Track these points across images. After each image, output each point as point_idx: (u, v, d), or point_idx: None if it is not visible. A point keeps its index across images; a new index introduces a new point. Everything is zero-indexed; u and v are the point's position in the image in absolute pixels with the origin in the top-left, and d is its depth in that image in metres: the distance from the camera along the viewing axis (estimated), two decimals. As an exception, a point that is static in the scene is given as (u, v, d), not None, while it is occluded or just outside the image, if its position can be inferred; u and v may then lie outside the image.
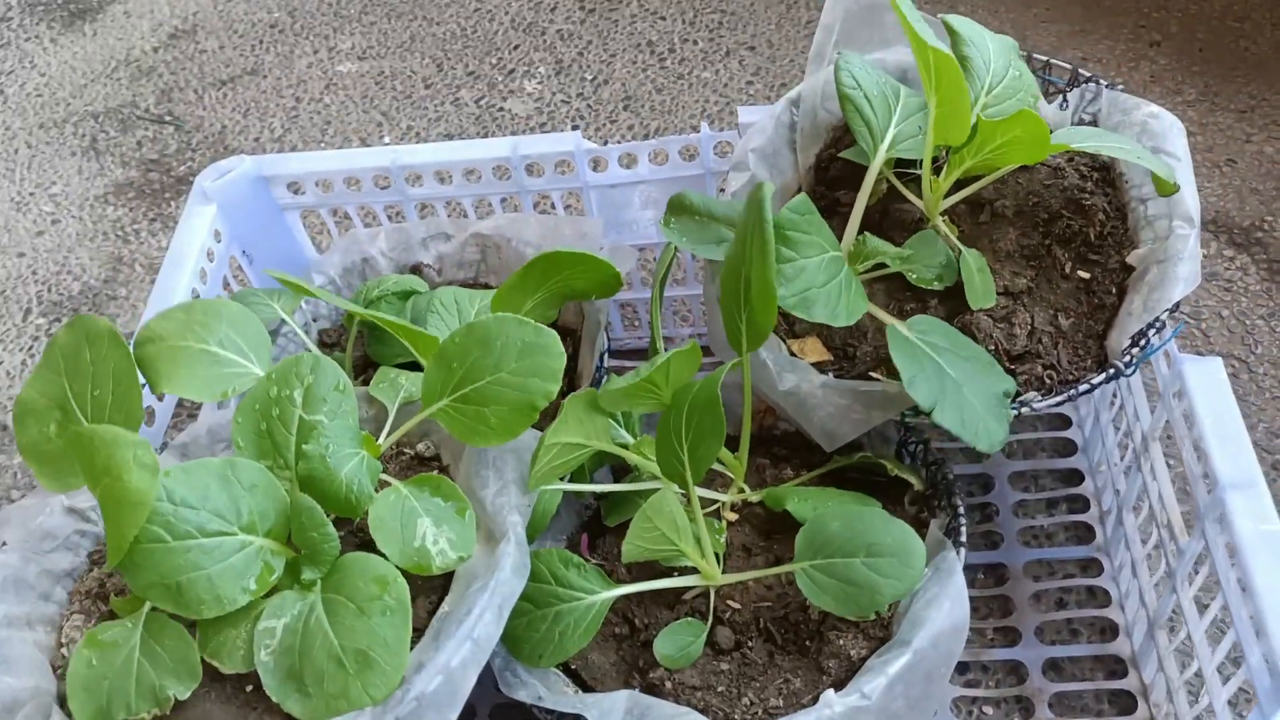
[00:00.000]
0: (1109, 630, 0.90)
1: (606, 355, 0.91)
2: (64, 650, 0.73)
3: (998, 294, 0.82)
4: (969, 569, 0.95)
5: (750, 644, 0.76)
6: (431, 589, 0.70)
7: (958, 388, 0.74)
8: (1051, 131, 0.87)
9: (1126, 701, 0.86)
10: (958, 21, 0.82)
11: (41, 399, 0.73)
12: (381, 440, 0.77)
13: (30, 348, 1.30)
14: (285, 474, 0.70)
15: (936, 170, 0.83)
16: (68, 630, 0.74)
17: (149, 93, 1.65)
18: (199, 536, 0.65)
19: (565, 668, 0.78)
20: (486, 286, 1.04)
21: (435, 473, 0.79)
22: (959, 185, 0.83)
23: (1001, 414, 0.74)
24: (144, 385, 0.86)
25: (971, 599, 0.92)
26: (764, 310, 0.72)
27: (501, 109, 1.52)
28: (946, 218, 0.85)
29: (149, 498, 0.61)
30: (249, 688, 0.67)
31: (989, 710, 0.87)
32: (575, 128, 1.46)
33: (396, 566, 0.66)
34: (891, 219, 0.88)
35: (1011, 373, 0.80)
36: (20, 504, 0.78)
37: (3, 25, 1.82)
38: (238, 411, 0.72)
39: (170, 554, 0.64)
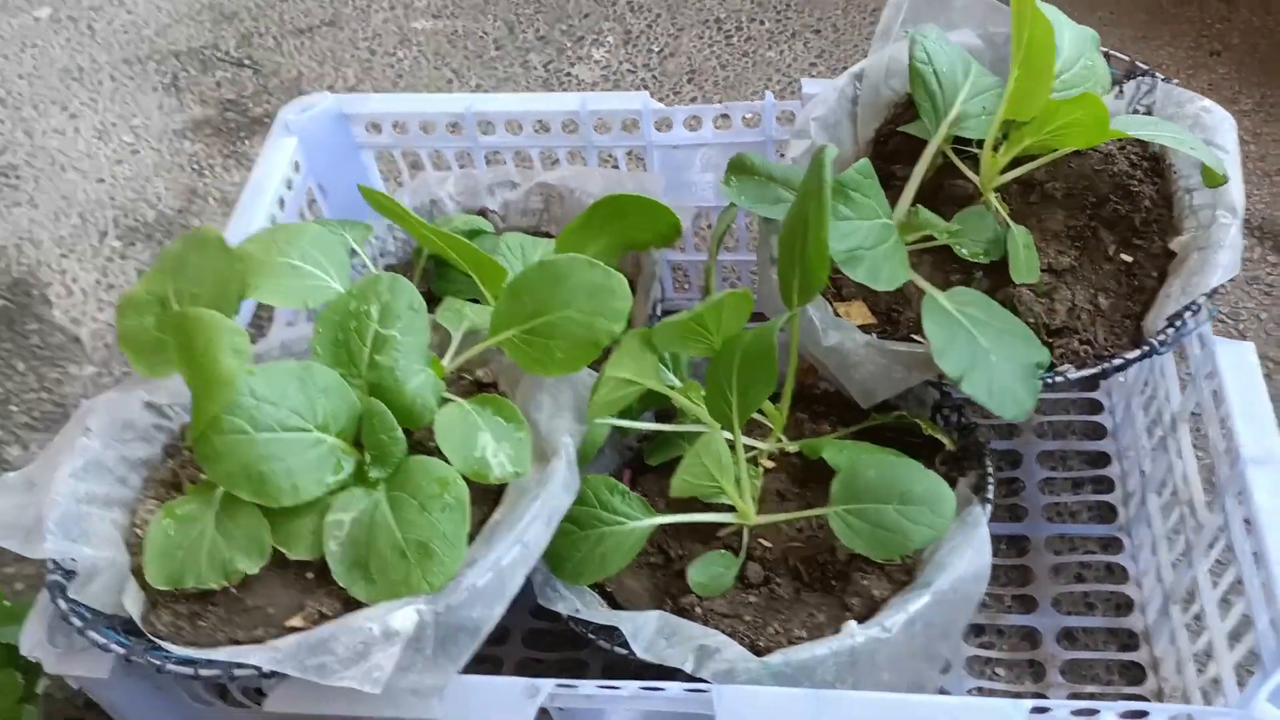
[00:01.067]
0: (1124, 606, 0.93)
1: (660, 305, 0.95)
2: (137, 530, 0.78)
3: (1041, 271, 0.85)
4: (992, 538, 0.97)
5: (778, 580, 0.80)
6: (485, 502, 0.75)
7: (988, 357, 0.77)
8: (1106, 119, 0.90)
9: (1136, 673, 0.89)
10: (1042, 7, 0.85)
11: (145, 295, 0.78)
12: (446, 362, 0.81)
13: (105, 268, 1.36)
14: (357, 382, 0.75)
15: (995, 147, 0.86)
16: (141, 513, 0.79)
17: (230, 36, 1.71)
18: (279, 430, 0.70)
19: (600, 589, 0.82)
20: (548, 235, 1.08)
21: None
22: (1014, 164, 0.86)
23: (1031, 384, 0.78)
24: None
25: (993, 567, 0.96)
26: (818, 265, 0.75)
27: (569, 74, 1.56)
28: (999, 195, 0.88)
29: (235, 379, 0.67)
30: (309, 574, 0.72)
31: (1001, 671, 0.91)
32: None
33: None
34: (945, 193, 0.92)
35: (1049, 345, 0.83)
36: (104, 396, 0.83)
37: (93, -37, 1.88)
38: (318, 321, 0.77)
39: (253, 445, 0.69)
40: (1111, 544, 0.97)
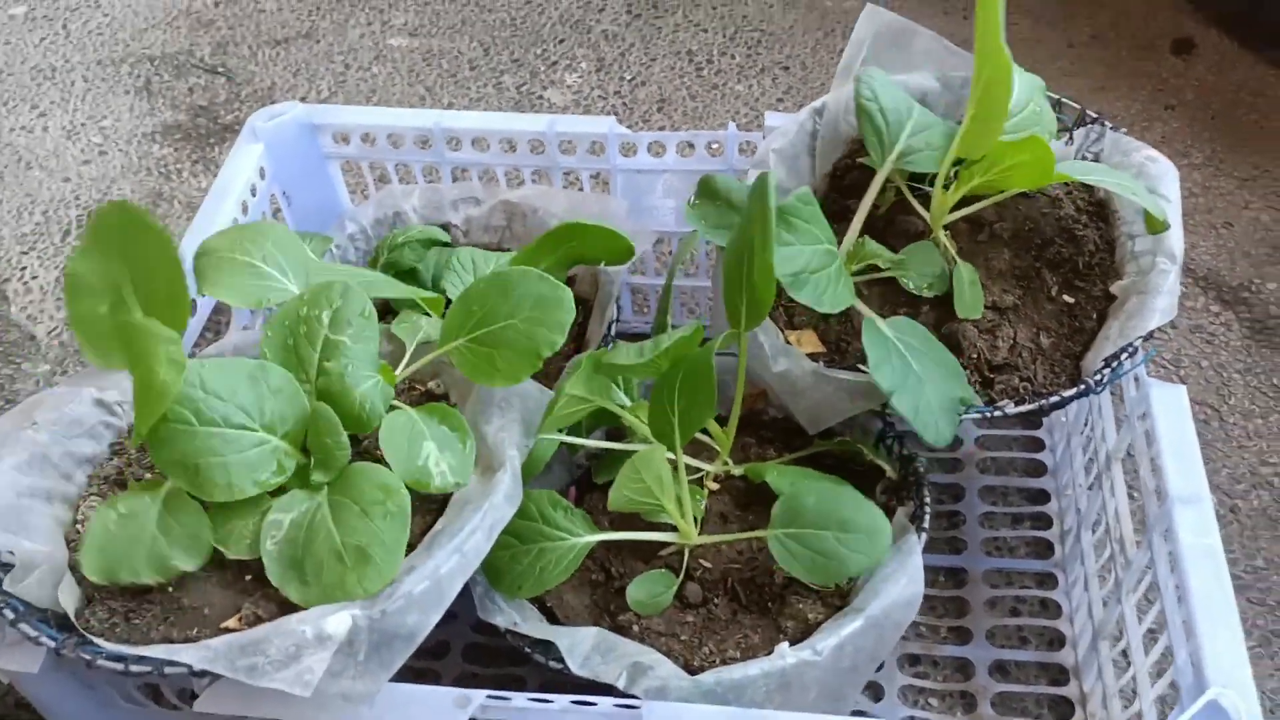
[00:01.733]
0: (1057, 641, 0.95)
1: (615, 325, 0.96)
2: (78, 526, 0.78)
3: (986, 308, 0.88)
4: (930, 570, 0.99)
5: (716, 601, 0.81)
6: (428, 511, 0.75)
7: (920, 383, 0.79)
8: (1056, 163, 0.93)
9: (1064, 708, 0.90)
10: None
11: (95, 278, 0.76)
12: (398, 372, 0.82)
13: (65, 267, 1.36)
14: (306, 386, 0.75)
15: (945, 185, 0.88)
16: (84, 509, 0.79)
17: (205, 43, 1.71)
18: (222, 426, 0.70)
19: (540, 604, 0.83)
20: (508, 251, 1.09)
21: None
22: (964, 203, 0.89)
23: (953, 417, 0.80)
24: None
25: (930, 598, 0.98)
26: (764, 289, 0.77)
27: (541, 97, 1.58)
28: (948, 233, 0.91)
29: (171, 390, 0.67)
30: (248, 576, 0.72)
31: (934, 701, 0.92)
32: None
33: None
34: (897, 228, 0.94)
35: (990, 381, 0.86)
36: (54, 390, 0.83)
37: (72, -36, 1.88)
38: (268, 324, 0.77)
39: (194, 437, 0.69)
40: (1047, 580, 0.99)
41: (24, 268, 1.37)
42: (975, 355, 0.86)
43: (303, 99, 1.59)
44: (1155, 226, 0.84)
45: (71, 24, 1.76)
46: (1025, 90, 0.89)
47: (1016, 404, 0.83)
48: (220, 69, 1.66)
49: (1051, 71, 1.53)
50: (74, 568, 0.73)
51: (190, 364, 0.69)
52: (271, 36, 1.72)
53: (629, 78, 1.60)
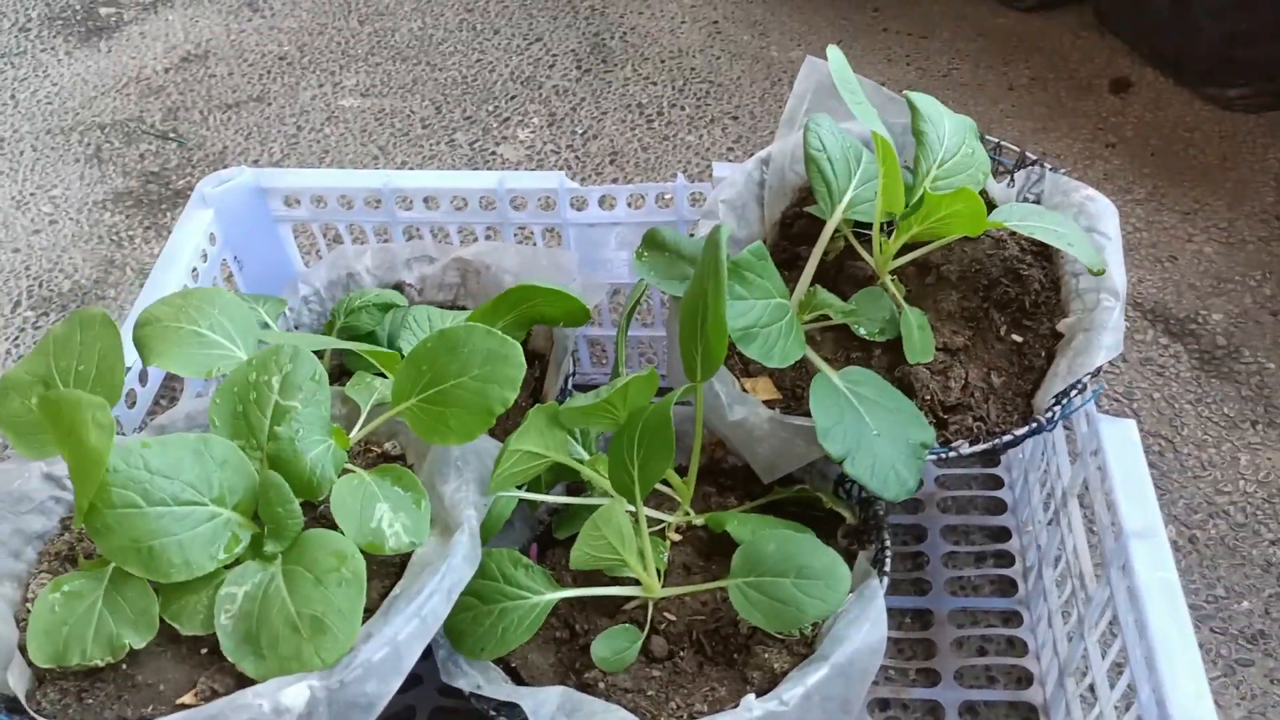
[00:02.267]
0: (1024, 679, 0.95)
1: (571, 379, 0.96)
2: (28, 605, 0.76)
3: (937, 350, 0.89)
4: (896, 612, 1.00)
5: (682, 654, 0.81)
6: (386, 574, 0.75)
7: (873, 438, 0.80)
8: (996, 207, 0.95)
9: (1035, 746, 0.90)
10: (919, 98, 0.90)
11: (27, 376, 0.77)
12: (352, 435, 0.82)
13: (16, 338, 1.34)
14: (256, 454, 0.75)
15: (889, 233, 0.90)
16: (34, 587, 0.77)
17: (156, 110, 1.71)
18: (172, 505, 0.69)
19: (505, 665, 0.82)
20: (464, 309, 1.09)
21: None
22: (909, 248, 0.90)
23: (914, 463, 0.80)
24: (129, 367, 0.91)
25: (897, 641, 0.98)
26: (717, 341, 0.78)
27: (494, 153, 1.59)
28: (896, 277, 0.92)
29: (104, 454, 0.66)
30: (204, 650, 0.71)
31: (905, 745, 0.92)
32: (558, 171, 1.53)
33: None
34: (846, 274, 0.95)
35: (944, 422, 0.86)
36: (0, 466, 0.82)
37: (21, 35, 1.88)
38: (217, 392, 0.76)
39: (144, 519, 0.68)
40: (1012, 618, 0.99)
41: (-27, 341, 1.36)
42: (929, 397, 0.87)
43: (255, 162, 1.60)
44: (1093, 271, 0.85)
45: (20, 94, 1.75)
46: (957, 133, 0.91)
47: (971, 444, 0.84)
48: (171, 135, 1.66)
49: (994, 114, 1.56)
50: (23, 649, 0.72)
51: (131, 446, 0.68)
52: (222, 101, 1.72)
53: (580, 131, 1.61)
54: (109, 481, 0.68)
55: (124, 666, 0.70)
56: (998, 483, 1.10)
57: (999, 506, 1.08)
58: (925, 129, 0.87)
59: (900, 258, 0.90)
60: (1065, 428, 0.95)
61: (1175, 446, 1.13)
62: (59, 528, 0.81)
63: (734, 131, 1.59)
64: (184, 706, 0.67)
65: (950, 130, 0.88)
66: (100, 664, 0.68)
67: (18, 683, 0.69)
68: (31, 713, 0.68)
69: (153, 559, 0.68)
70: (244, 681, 0.68)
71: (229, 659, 0.68)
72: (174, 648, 0.71)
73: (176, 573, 0.69)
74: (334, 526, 0.73)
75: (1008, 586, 1.01)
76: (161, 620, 0.70)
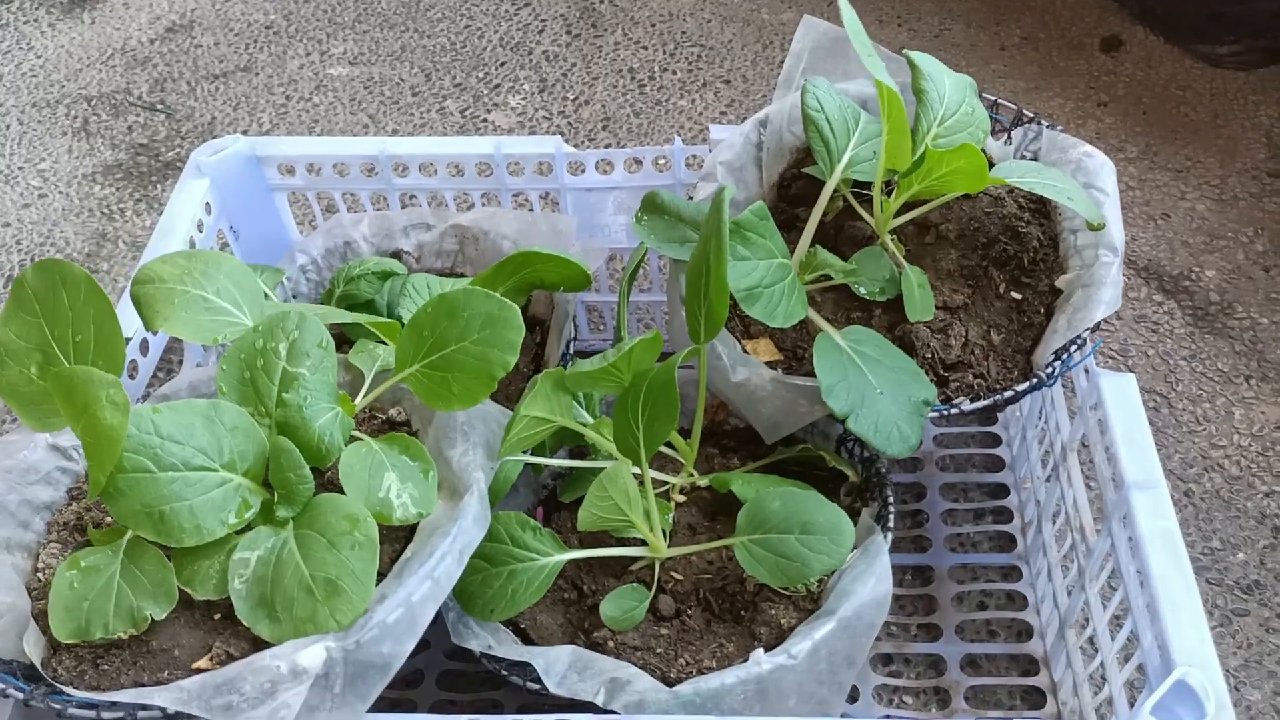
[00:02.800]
0: (1024, 632, 0.96)
1: (573, 344, 0.97)
2: (39, 575, 0.77)
3: (937, 308, 0.89)
4: (898, 569, 1.01)
5: (689, 612, 0.82)
6: (396, 539, 0.75)
7: (876, 396, 0.80)
8: (994, 165, 0.95)
9: (1036, 698, 0.92)
10: (919, 57, 0.90)
11: (20, 341, 0.75)
12: (357, 402, 0.82)
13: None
14: (264, 420, 0.75)
15: (889, 192, 0.90)
16: (44, 557, 0.77)
17: (142, 81, 1.70)
18: (183, 470, 0.69)
19: (514, 626, 0.83)
20: (462, 276, 1.09)
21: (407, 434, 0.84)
22: (908, 207, 0.90)
23: (916, 420, 0.81)
24: (129, 338, 0.90)
25: (898, 597, 0.99)
26: (719, 302, 0.78)
27: (485, 120, 1.58)
28: (895, 236, 0.92)
29: (120, 433, 0.65)
30: (217, 615, 0.71)
31: (909, 699, 0.93)
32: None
33: (365, 508, 0.71)
34: (846, 234, 0.95)
35: (944, 380, 0.87)
36: (4, 438, 0.82)
37: (3, 7, 1.86)
38: (224, 359, 0.76)
39: (155, 484, 0.68)
40: (1012, 572, 1.00)
41: (-34, 316, 1.35)
42: (929, 355, 0.87)
43: (244, 132, 1.58)
44: (1091, 226, 0.86)
45: (3, 67, 1.73)
46: (957, 91, 0.91)
47: (972, 400, 0.85)
48: (159, 106, 1.65)
49: (986, 74, 1.56)
50: (38, 617, 0.72)
51: (142, 411, 0.68)
52: (209, 71, 1.71)
53: (572, 97, 1.61)
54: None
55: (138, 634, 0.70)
56: (995, 440, 1.11)
57: (997, 464, 1.09)
58: (926, 87, 0.87)
59: (900, 217, 0.91)
60: (1064, 383, 0.96)
61: (1170, 402, 1.14)
62: (66, 498, 0.82)
63: (726, 95, 1.59)
64: (199, 671, 0.68)
65: (950, 88, 0.89)
66: (124, 636, 0.69)
67: (34, 651, 0.70)
68: (49, 680, 0.68)
69: (165, 524, 0.68)
70: (259, 645, 0.68)
71: (244, 623, 0.68)
72: (187, 613, 0.71)
73: (188, 538, 0.69)
74: (342, 492, 0.73)
75: (1007, 542, 1.03)
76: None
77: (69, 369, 0.68)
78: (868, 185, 0.93)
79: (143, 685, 0.68)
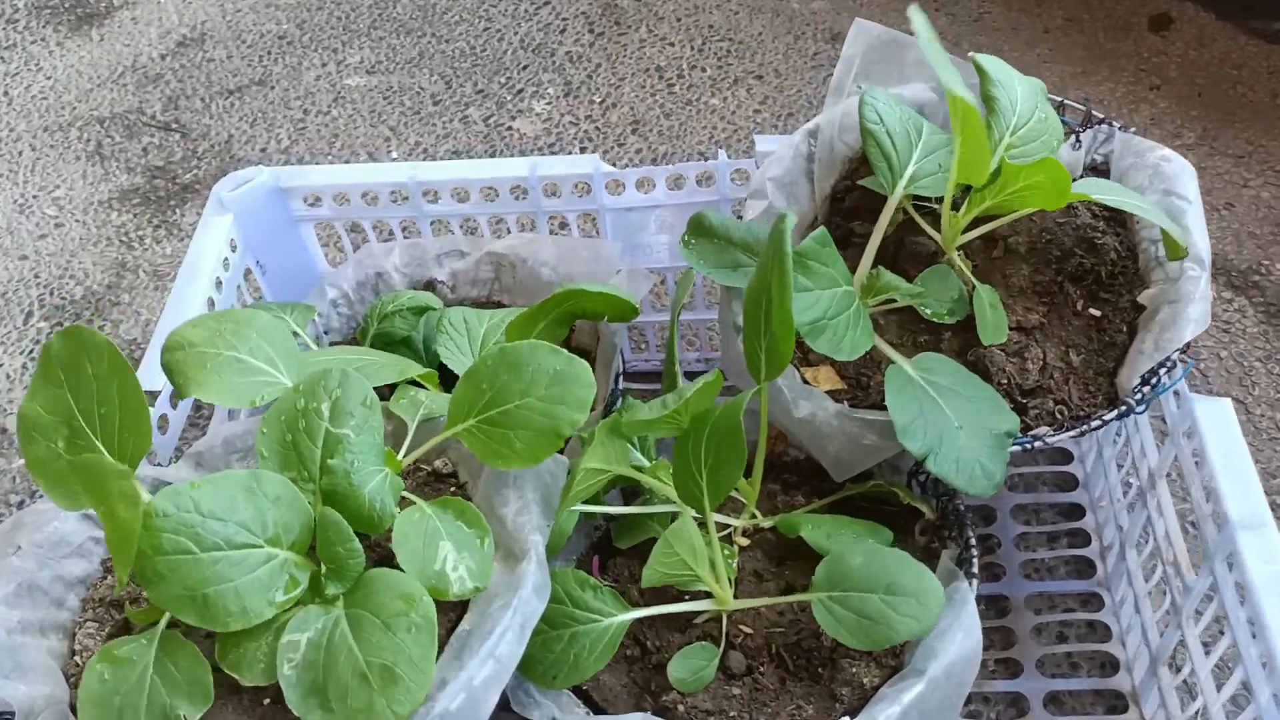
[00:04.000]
0: (1109, 665, 0.91)
1: (621, 377, 0.92)
2: (77, 658, 0.73)
3: (1010, 329, 0.84)
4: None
5: (762, 669, 0.77)
6: (450, 606, 0.71)
7: (955, 432, 0.75)
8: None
9: (1126, 735, 0.87)
10: (988, 61, 0.84)
11: (46, 415, 0.71)
12: (402, 456, 0.77)
13: (31, 351, 1.30)
14: (309, 487, 0.70)
15: (956, 206, 0.84)
16: (81, 638, 0.74)
17: (155, 99, 1.65)
18: (226, 549, 0.65)
19: (577, 689, 0.78)
20: (499, 305, 1.04)
21: (454, 490, 0.80)
22: (976, 223, 0.85)
23: (1000, 455, 0.76)
24: (158, 392, 0.86)
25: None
26: (784, 339, 0.73)
27: (510, 128, 1.53)
28: (961, 252, 0.87)
29: (133, 526, 0.62)
30: (266, 700, 0.67)
31: (990, 740, 0.88)
32: (584, 149, 1.47)
33: (419, 583, 0.66)
34: (907, 250, 0.90)
35: (1023, 407, 0.82)
36: (33, 509, 0.78)
37: (9, 27, 1.81)
38: (264, 421, 0.72)
39: (198, 565, 0.64)
40: (1092, 600, 0.95)
41: (-13, 355, 1.31)
42: (1005, 381, 0.82)
43: (262, 150, 1.54)
44: (1176, 252, 0.80)
45: (13, 90, 1.69)
46: (1029, 97, 0.85)
47: (1056, 430, 0.80)
48: (174, 125, 1.60)
49: (1030, 59, 1.50)
50: (73, 708, 0.68)
51: (180, 489, 0.64)
52: (223, 86, 1.66)
53: (599, 100, 1.55)
54: (160, 527, 0.63)
55: (185, 723, 0.66)
56: (1066, 456, 1.05)
57: (1070, 482, 1.03)
58: (996, 94, 0.81)
59: (966, 233, 0.85)
60: (1146, 403, 0.90)
61: (1247, 408, 1.08)
62: (101, 570, 0.78)
63: (759, 92, 1.53)
64: (251, 764, 0.64)
65: (1022, 95, 0.83)
66: (158, 737, 0.65)
67: (73, 746, 0.66)
68: (92, 778, 0.64)
69: (208, 607, 0.64)
70: (312, 733, 0.64)
71: (295, 712, 0.64)
72: (235, 699, 0.67)
73: (234, 621, 0.65)
74: (394, 560, 0.69)
75: (1085, 568, 0.97)
76: (220, 670, 0.67)
77: (83, 459, 0.64)
78: (928, 199, 0.88)
79: (191, 782, 0.64)
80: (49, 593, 0.74)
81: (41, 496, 1.09)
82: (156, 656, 0.65)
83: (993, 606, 0.96)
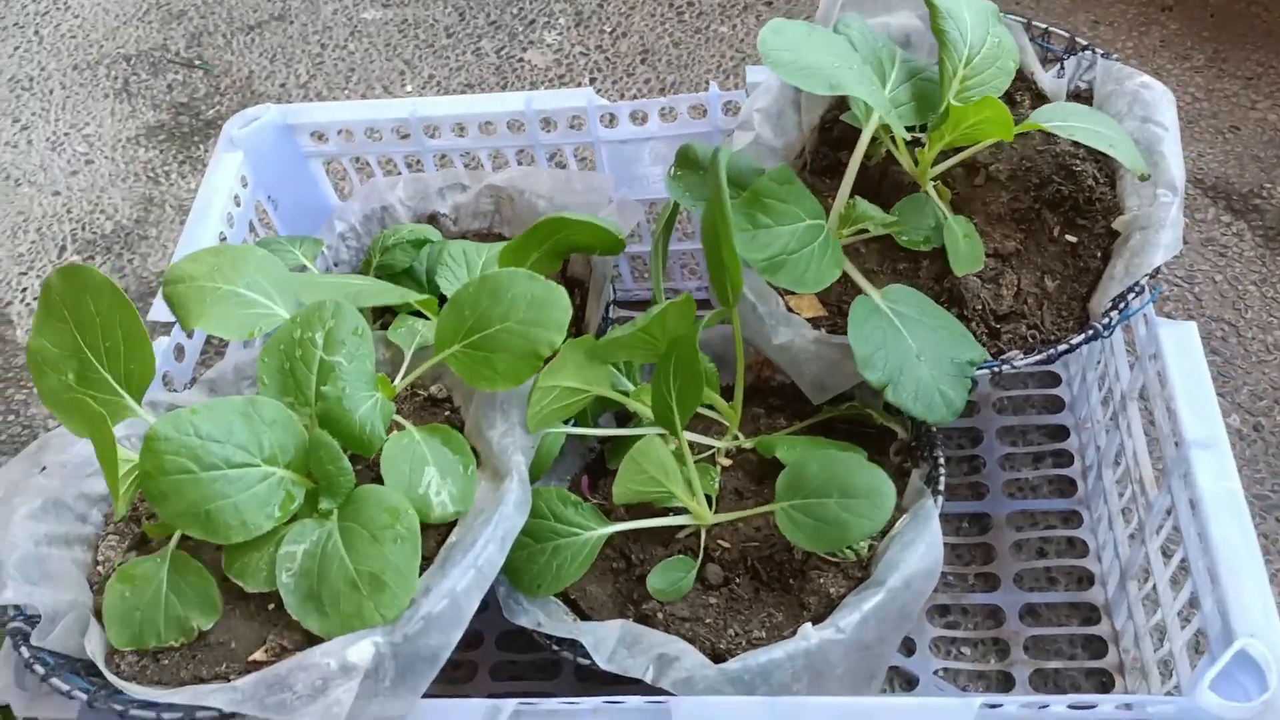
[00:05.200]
0: (1085, 579, 0.94)
1: (613, 306, 0.95)
2: (99, 568, 0.79)
3: (987, 255, 0.86)
4: (954, 517, 0.99)
5: (738, 580, 0.81)
6: (438, 525, 0.75)
7: (915, 361, 0.78)
8: (1044, 98, 0.90)
9: (1098, 646, 0.90)
10: None
11: (54, 349, 0.75)
12: (397, 381, 0.82)
13: (65, 284, 1.36)
14: (305, 410, 0.75)
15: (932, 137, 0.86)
16: (103, 550, 0.79)
17: (179, 36, 1.68)
18: (225, 468, 0.70)
19: (565, 597, 0.83)
20: (500, 237, 1.08)
21: (448, 414, 0.84)
22: (955, 151, 0.86)
23: (960, 382, 0.78)
24: (172, 323, 0.91)
25: (955, 546, 0.98)
26: (734, 267, 0.76)
27: (521, 60, 1.54)
28: (941, 181, 0.88)
29: (114, 463, 0.69)
30: (270, 606, 0.73)
31: (966, 650, 0.92)
32: (593, 80, 1.48)
33: (405, 500, 0.71)
34: (891, 180, 0.92)
35: (996, 332, 0.84)
36: (58, 431, 0.83)
37: (36, -34, 1.85)
38: (264, 350, 0.77)
39: (199, 484, 0.69)
40: (1071, 518, 0.98)
41: (24, 289, 1.37)
42: (979, 307, 0.84)
43: (281, 85, 1.57)
44: (1138, 175, 0.81)
45: (43, 29, 1.73)
46: (979, 24, 0.84)
47: (1026, 353, 0.82)
48: (197, 61, 1.64)
49: (1042, -20, 1.48)
50: (98, 613, 0.74)
51: (181, 414, 0.69)
52: (244, 22, 1.69)
53: (609, 30, 1.56)
54: (162, 450, 0.69)
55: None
56: (1055, 380, 1.07)
57: (1057, 404, 1.06)
58: (945, 27, 0.82)
59: (945, 161, 0.87)
60: (1123, 328, 0.92)
61: (1239, 331, 1.10)
62: (121, 488, 0.83)
63: (768, 18, 1.53)
64: (256, 663, 0.69)
65: (972, 22, 0.83)
66: (176, 644, 0.71)
67: (95, 647, 0.72)
68: (110, 676, 0.70)
69: (211, 522, 0.69)
70: (312, 637, 0.69)
71: (293, 616, 0.69)
72: (242, 605, 0.73)
73: (235, 534, 0.70)
74: (384, 482, 0.74)
75: (1066, 486, 1.00)
76: (227, 578, 0.72)
77: (72, 398, 0.71)
78: (913, 128, 0.89)
79: (202, 679, 0.69)
80: (73, 509, 0.80)
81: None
82: (168, 574, 0.71)
83: (975, 524, 0.99)
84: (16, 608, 0.73)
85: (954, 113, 0.78)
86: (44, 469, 0.80)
